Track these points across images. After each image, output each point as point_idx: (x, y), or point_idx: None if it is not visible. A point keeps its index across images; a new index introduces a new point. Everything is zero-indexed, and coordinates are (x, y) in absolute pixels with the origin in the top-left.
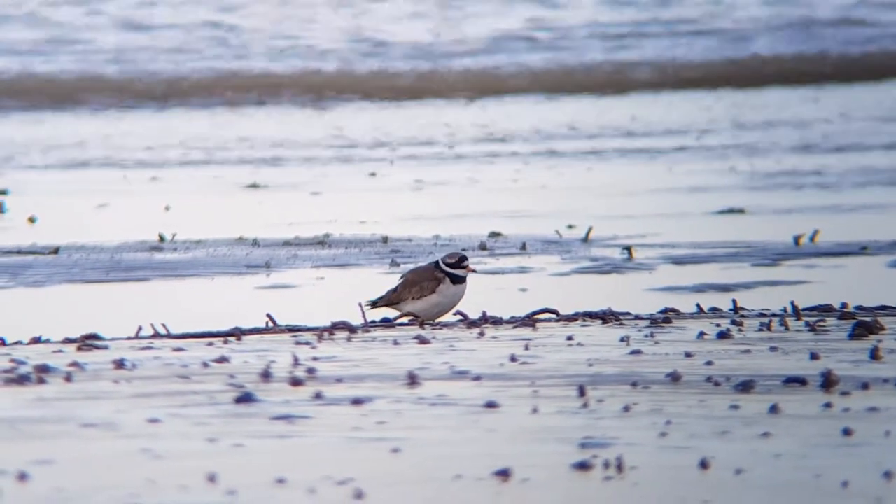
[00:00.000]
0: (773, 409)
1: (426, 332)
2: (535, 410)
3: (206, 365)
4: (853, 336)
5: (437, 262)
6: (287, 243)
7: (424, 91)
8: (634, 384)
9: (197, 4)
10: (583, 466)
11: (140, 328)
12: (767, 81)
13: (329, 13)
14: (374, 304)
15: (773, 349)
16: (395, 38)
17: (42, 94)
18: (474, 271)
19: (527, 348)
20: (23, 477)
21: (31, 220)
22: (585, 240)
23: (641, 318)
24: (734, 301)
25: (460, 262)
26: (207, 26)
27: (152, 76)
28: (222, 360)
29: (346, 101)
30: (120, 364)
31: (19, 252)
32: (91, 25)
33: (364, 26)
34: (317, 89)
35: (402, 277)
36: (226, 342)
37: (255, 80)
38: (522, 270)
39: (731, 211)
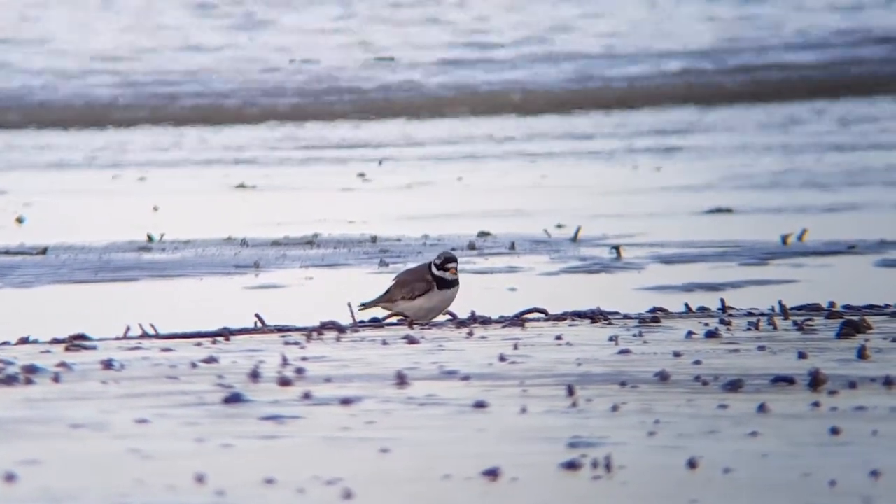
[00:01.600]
0: (762, 409)
1: (415, 332)
2: (523, 410)
3: (194, 365)
4: (841, 335)
5: (430, 265)
6: (276, 243)
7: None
8: (623, 383)
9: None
10: (571, 466)
11: (128, 328)
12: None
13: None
14: (366, 306)
15: (761, 348)
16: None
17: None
18: (455, 277)
19: (516, 348)
20: (10, 477)
21: (20, 220)
22: (574, 239)
23: (630, 318)
24: (722, 300)
25: (444, 263)
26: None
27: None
28: (211, 360)
29: None
30: (108, 364)
31: (7, 252)
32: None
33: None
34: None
35: (395, 279)
36: (214, 342)
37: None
38: (511, 270)
39: (718, 210)
